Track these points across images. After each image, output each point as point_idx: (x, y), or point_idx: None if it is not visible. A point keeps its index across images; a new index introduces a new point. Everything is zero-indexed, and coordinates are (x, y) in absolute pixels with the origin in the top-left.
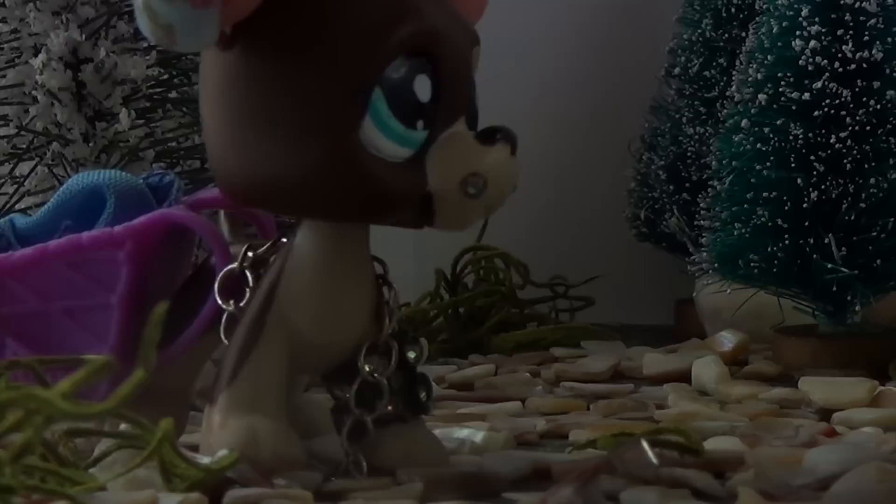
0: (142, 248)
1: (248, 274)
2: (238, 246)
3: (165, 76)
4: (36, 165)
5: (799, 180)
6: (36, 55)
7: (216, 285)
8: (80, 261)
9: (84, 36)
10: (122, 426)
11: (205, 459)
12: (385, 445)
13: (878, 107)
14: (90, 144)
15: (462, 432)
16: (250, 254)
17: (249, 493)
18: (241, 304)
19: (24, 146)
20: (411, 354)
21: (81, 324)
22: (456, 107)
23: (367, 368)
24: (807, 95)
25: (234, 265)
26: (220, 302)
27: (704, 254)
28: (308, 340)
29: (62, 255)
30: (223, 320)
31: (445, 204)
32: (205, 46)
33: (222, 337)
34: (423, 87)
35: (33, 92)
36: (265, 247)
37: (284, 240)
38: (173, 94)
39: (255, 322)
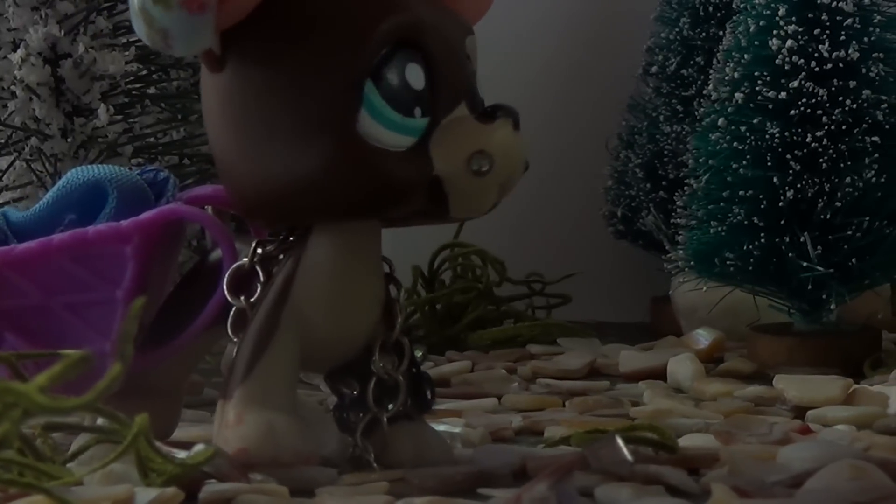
0: (148, 243)
1: (259, 270)
2: (238, 243)
3: (144, 72)
4: (14, 160)
5: (775, 179)
6: (14, 50)
7: (225, 281)
8: (85, 255)
9: (63, 31)
10: (100, 421)
11: (181, 454)
12: (394, 443)
13: (854, 106)
14: (68, 140)
15: (438, 428)
16: (260, 250)
17: (226, 488)
18: (252, 300)
19: (2, 141)
20: (418, 352)
21: (84, 318)
22: (455, 93)
23: (381, 367)
24: (783, 94)
25: (245, 260)
26: (229, 298)
27: (681, 251)
28: (320, 337)
29: (66, 250)
30: (231, 316)
31: (456, 186)
32: (199, 51)
33: (229, 333)
34: (415, 76)
35: (12, 87)
36: (274, 244)
37: (292, 237)
38: (152, 90)
39: (269, 318)
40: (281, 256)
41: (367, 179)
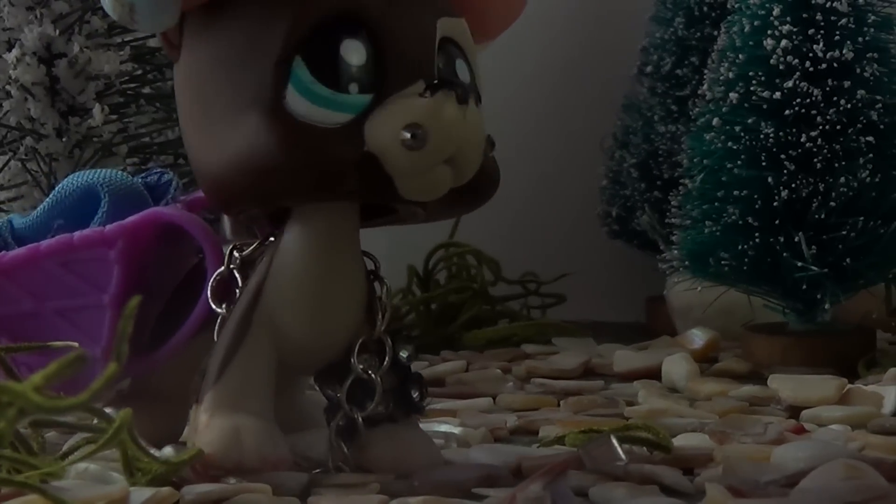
0: (133, 248)
1: (237, 275)
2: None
3: (139, 72)
4: (9, 160)
5: (770, 179)
6: (9, 50)
7: (208, 289)
8: (72, 260)
9: (58, 31)
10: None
11: (164, 451)
12: (374, 446)
13: (849, 106)
14: (63, 139)
15: (439, 429)
16: (237, 254)
17: (211, 488)
18: (232, 307)
19: None
20: (403, 354)
21: (74, 324)
22: (408, 72)
23: (359, 366)
24: (778, 94)
25: (222, 268)
26: (213, 305)
27: (675, 251)
28: (297, 339)
29: (54, 255)
30: (217, 323)
31: (394, 163)
32: (163, 29)
33: (216, 339)
34: (353, 52)
35: (7, 87)
36: (252, 247)
37: (272, 239)
38: (147, 90)
39: (241, 321)
40: (258, 260)
41: (295, 156)
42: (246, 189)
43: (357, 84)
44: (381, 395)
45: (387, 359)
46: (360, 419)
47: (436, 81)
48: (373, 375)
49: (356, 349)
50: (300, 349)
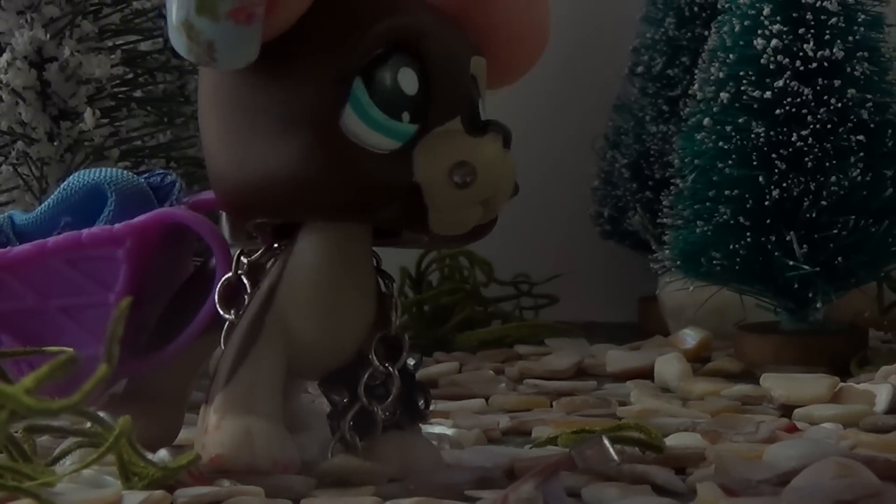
0: (141, 247)
1: (245, 281)
2: (239, 248)
3: (130, 75)
4: (0, 165)
5: (761, 178)
6: (0, 54)
7: (216, 295)
8: (79, 258)
9: (48, 35)
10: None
11: (159, 455)
12: (382, 450)
13: (839, 105)
14: (55, 143)
15: (433, 430)
16: (244, 259)
17: (204, 491)
18: (242, 312)
19: None
20: (411, 361)
21: (78, 322)
22: (451, 106)
23: (375, 361)
24: (768, 94)
25: (230, 274)
26: (221, 311)
27: (667, 251)
28: (308, 343)
29: (61, 252)
30: (224, 328)
31: (435, 197)
32: (246, 64)
33: (222, 345)
34: (408, 81)
35: None
36: (259, 252)
37: (276, 245)
38: (138, 94)
39: (253, 324)
40: (268, 264)
41: (343, 176)
42: (282, 200)
43: (409, 113)
44: (398, 387)
45: (403, 353)
46: (379, 412)
47: (482, 122)
48: (391, 369)
49: (374, 343)
50: (311, 353)
